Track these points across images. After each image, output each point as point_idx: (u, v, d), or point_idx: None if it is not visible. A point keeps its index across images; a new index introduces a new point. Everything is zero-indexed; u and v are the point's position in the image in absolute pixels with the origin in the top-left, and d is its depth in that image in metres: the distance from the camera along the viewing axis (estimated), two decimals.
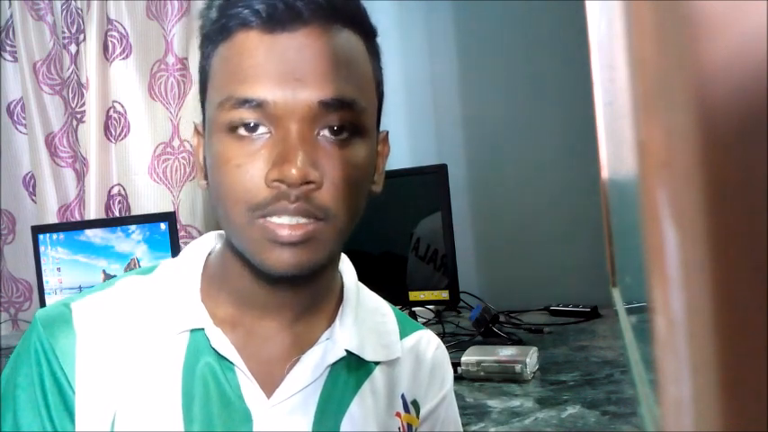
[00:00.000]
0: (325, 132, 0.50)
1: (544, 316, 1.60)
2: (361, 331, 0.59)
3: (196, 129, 0.58)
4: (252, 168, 0.49)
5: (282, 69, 0.48)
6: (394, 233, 1.53)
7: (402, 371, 0.62)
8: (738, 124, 0.14)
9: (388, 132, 0.60)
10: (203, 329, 0.55)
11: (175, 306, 0.56)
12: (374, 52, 0.55)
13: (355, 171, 0.51)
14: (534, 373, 1.16)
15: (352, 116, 0.50)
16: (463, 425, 0.98)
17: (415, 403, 0.63)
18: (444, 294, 1.46)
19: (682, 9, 0.15)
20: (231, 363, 0.54)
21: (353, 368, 0.58)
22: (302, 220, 0.49)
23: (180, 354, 0.54)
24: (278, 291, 0.55)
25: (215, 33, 0.52)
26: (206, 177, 0.55)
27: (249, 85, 0.49)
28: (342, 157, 0.50)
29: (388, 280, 1.53)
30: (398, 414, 0.61)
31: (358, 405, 0.57)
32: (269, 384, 0.55)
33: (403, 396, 0.62)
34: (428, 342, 0.67)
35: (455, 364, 1.22)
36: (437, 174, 1.47)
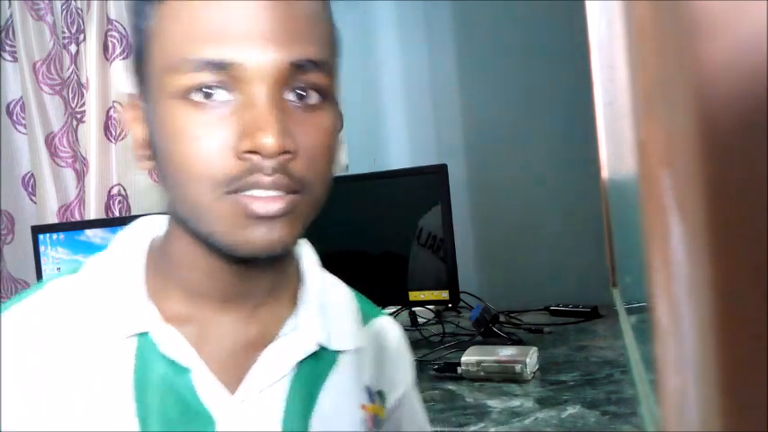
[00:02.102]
0: (291, 97, 0.45)
1: (544, 316, 1.60)
2: (326, 320, 0.55)
3: (131, 100, 0.51)
4: (214, 139, 0.44)
5: (248, 27, 0.43)
6: (394, 233, 1.53)
7: (365, 360, 0.59)
8: (738, 124, 0.14)
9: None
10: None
11: (118, 307, 0.50)
12: (331, 15, 0.51)
13: (326, 138, 0.47)
14: (534, 373, 1.16)
15: (323, 79, 0.46)
16: (463, 425, 0.98)
17: (380, 393, 0.60)
18: (444, 294, 1.46)
19: (682, 9, 0.15)
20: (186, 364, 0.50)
21: (319, 358, 0.55)
22: (279, 193, 0.45)
23: (128, 361, 0.49)
24: (239, 277, 0.51)
25: None
26: (150, 158, 0.49)
27: (212, 45, 0.43)
28: (312, 123, 0.46)
29: (388, 280, 1.53)
30: (364, 406, 0.58)
31: (326, 397, 0.54)
32: (232, 382, 0.50)
33: (368, 387, 0.59)
34: (390, 329, 0.64)
35: (455, 364, 1.22)
36: (437, 174, 1.47)
